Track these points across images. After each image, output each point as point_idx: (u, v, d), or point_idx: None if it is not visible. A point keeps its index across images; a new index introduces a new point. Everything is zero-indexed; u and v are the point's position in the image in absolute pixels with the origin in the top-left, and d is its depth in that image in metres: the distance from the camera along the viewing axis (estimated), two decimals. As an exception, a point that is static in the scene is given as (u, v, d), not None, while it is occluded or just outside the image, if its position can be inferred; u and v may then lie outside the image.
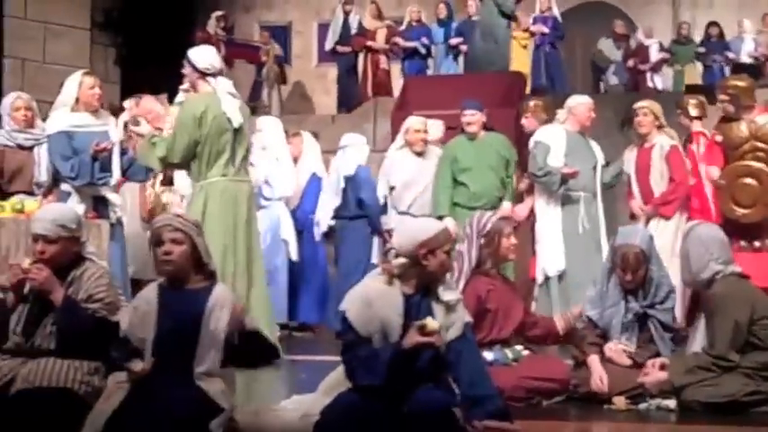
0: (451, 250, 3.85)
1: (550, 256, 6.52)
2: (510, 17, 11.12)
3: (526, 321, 4.77)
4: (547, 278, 6.53)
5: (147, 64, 11.85)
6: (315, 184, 7.81)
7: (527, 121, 7.23)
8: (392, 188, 7.33)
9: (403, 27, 13.23)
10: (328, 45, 13.25)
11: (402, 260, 3.73)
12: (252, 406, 3.99)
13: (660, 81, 13.48)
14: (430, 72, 12.94)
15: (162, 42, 12.38)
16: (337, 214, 7.52)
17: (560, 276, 6.51)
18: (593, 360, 4.56)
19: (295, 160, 7.80)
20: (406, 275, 3.75)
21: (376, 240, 7.43)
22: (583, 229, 6.56)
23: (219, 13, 13.52)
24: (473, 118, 7.09)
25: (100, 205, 6.05)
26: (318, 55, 15.52)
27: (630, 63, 13.49)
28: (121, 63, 12.83)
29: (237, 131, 5.63)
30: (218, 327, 3.72)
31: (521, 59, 12.38)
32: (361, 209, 7.38)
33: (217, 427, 3.59)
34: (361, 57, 13.16)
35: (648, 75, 13.48)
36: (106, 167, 6.05)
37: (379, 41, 12.97)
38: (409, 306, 3.73)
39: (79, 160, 5.96)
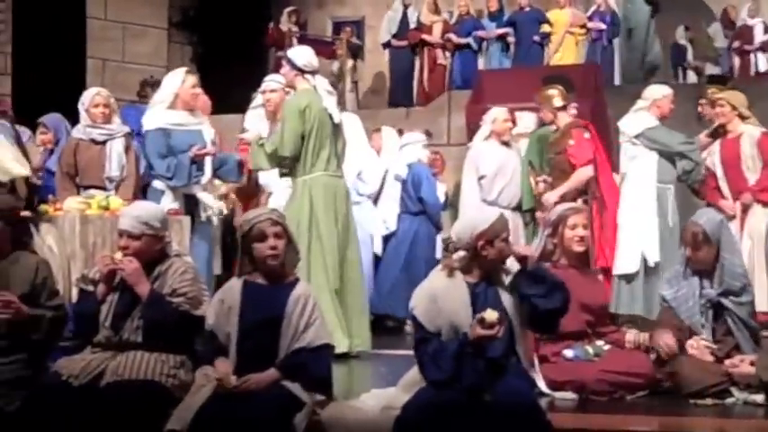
0: (508, 237, 3.85)
1: (648, 247, 6.38)
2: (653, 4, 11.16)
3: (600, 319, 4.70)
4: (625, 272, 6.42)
5: (222, 61, 12.01)
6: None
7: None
8: (481, 178, 7.36)
9: (453, 21, 13.18)
10: (383, 38, 13.29)
11: (462, 253, 3.77)
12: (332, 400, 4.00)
13: (765, 63, 13.15)
14: (481, 66, 12.89)
15: (237, 40, 12.55)
16: (402, 211, 7.63)
17: (645, 270, 6.40)
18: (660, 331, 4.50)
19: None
20: (467, 267, 3.79)
21: (439, 236, 7.52)
22: (672, 223, 6.45)
23: (292, 8, 13.62)
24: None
25: (191, 203, 6.10)
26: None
27: (736, 44, 13.20)
28: (197, 61, 13.02)
29: (336, 127, 5.78)
30: (300, 322, 3.78)
31: (572, 55, 12.28)
32: (422, 206, 7.54)
33: (300, 422, 3.63)
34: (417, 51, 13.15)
35: (753, 57, 13.15)
36: (200, 166, 6.10)
37: (435, 36, 12.92)
38: (475, 296, 3.76)
39: (177, 161, 5.97)
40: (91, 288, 4.09)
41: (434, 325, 3.72)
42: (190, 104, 6.09)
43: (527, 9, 12.54)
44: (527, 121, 7.67)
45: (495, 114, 7.41)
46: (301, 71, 5.77)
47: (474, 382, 3.61)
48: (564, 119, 6.67)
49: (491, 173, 7.31)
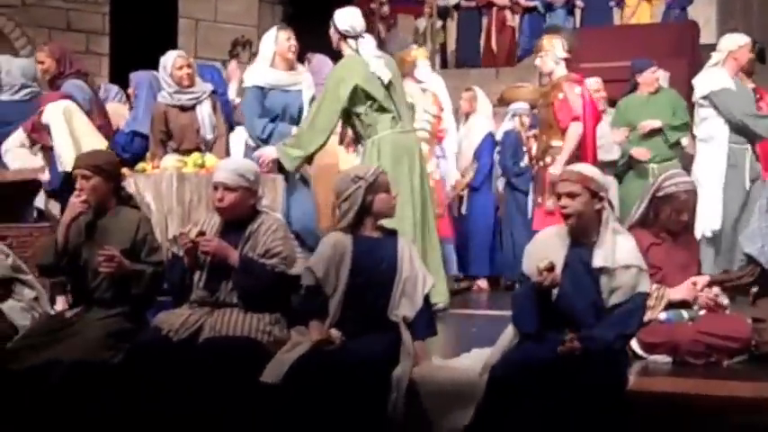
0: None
1: (709, 215, 6.22)
2: None
3: None
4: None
5: (312, 21, 12.00)
6: (490, 141, 7.79)
7: None
8: None
9: None
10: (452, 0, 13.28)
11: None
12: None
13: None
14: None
15: (327, -1, 12.53)
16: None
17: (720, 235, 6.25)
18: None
19: (465, 116, 7.82)
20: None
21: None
22: (750, 185, 6.28)
23: None
24: (656, 75, 7.12)
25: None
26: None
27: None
28: (288, 20, 13.04)
29: (390, 86, 5.63)
30: (411, 274, 3.86)
31: (647, 21, 12.09)
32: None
33: (401, 376, 3.67)
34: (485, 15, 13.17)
35: None
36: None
37: None
38: (569, 253, 3.81)
39: (276, 126, 5.89)
40: (180, 253, 4.15)
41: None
42: (288, 58, 5.96)
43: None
44: (665, 76, 7.60)
45: (589, 85, 7.29)
46: (344, 36, 5.64)
47: (555, 338, 3.63)
48: (560, 71, 6.47)
49: None
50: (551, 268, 3.69)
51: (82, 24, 10.61)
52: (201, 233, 4.05)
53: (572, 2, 12.57)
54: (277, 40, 5.97)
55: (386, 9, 13.35)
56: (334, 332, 3.80)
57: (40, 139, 6.11)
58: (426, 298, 3.98)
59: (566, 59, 6.38)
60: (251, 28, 12.02)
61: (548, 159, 6.27)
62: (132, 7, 10.35)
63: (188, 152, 6.07)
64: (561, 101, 6.32)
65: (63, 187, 5.75)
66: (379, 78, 5.57)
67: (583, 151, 6.31)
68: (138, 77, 6.95)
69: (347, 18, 5.65)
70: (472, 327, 5.43)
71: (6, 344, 4.26)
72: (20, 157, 6.11)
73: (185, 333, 3.98)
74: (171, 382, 3.83)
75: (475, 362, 3.90)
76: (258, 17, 12.13)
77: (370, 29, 12.31)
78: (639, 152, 7.03)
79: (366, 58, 5.58)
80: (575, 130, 6.20)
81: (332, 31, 5.70)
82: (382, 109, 5.58)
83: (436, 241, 5.78)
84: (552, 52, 6.39)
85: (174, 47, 10.94)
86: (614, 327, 3.71)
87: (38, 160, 6.11)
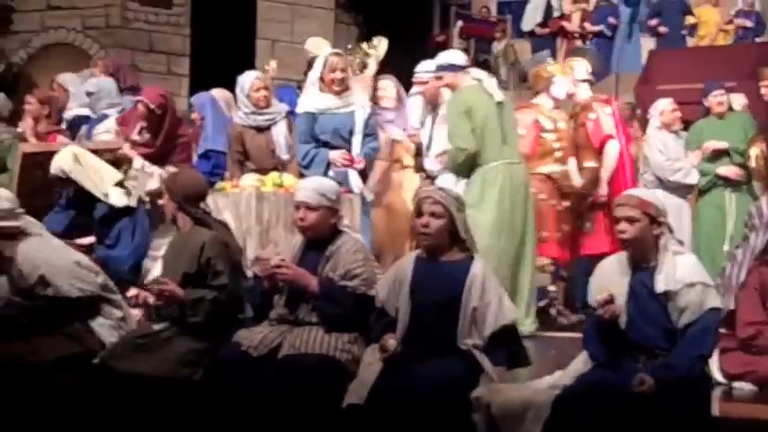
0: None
1: None
2: None
3: None
4: None
5: (387, 41, 12.10)
6: None
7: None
8: None
9: (591, 8, 13.35)
10: (526, 26, 13.37)
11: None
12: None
13: None
14: (615, 54, 12.78)
15: (401, 19, 12.62)
16: None
17: None
18: None
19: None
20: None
21: None
22: None
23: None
24: (722, 98, 7.06)
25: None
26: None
27: None
28: (364, 40, 13.17)
29: (501, 108, 5.76)
30: (482, 303, 3.82)
31: None
32: None
33: (477, 396, 3.68)
34: (558, 39, 13.45)
35: None
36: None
37: (574, 24, 13.17)
38: (634, 279, 3.76)
39: (317, 153, 5.87)
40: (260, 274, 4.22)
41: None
42: (332, 88, 5.92)
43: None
44: (739, 99, 7.53)
45: (663, 106, 7.27)
46: (459, 69, 5.84)
47: (628, 365, 3.62)
48: (585, 92, 6.51)
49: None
50: (610, 300, 3.67)
51: (163, 46, 10.86)
52: (281, 262, 4.08)
53: (655, 29, 12.58)
54: (326, 65, 5.96)
55: (458, 28, 13.50)
56: (391, 340, 3.81)
57: (124, 132, 6.31)
58: (510, 329, 3.93)
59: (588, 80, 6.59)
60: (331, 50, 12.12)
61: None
62: (212, 29, 10.57)
63: (265, 172, 6.13)
64: (594, 121, 6.41)
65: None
66: (490, 96, 5.72)
67: (619, 171, 6.39)
68: (198, 101, 7.05)
69: (454, 54, 6.01)
70: (552, 349, 5.42)
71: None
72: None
73: (265, 350, 4.04)
74: (250, 397, 3.89)
75: (544, 383, 3.91)
76: (334, 38, 12.26)
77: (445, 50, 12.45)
78: (730, 170, 6.93)
79: (484, 82, 5.77)
80: (612, 149, 6.28)
81: (446, 74, 5.87)
82: (493, 137, 5.70)
83: (531, 273, 5.82)
84: (572, 74, 6.57)
85: (252, 67, 11.12)
86: (689, 350, 3.65)
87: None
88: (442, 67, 5.90)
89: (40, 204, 5.50)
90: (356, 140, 5.93)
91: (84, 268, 4.58)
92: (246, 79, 6.27)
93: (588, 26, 13.03)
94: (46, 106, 6.87)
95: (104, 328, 4.53)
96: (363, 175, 5.98)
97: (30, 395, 4.23)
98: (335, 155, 5.82)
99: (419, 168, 6.53)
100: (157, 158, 6.02)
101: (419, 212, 3.92)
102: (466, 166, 5.75)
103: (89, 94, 6.80)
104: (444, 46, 12.71)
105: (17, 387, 4.24)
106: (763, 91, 7.05)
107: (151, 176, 5.91)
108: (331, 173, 5.75)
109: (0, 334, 4.42)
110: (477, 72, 5.93)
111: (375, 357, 3.85)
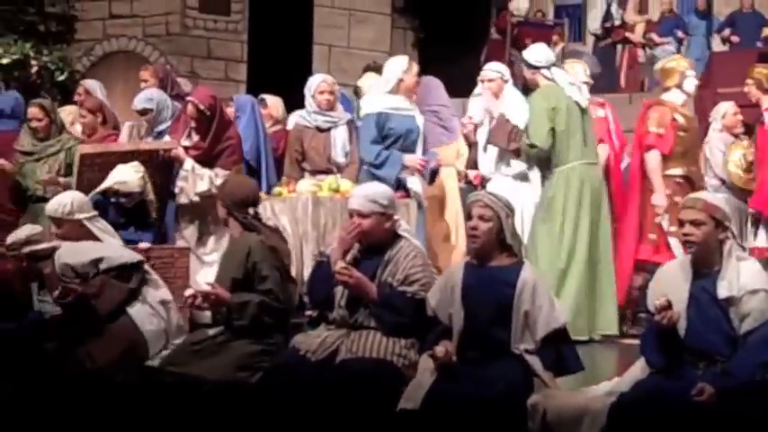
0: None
1: None
2: None
3: None
4: None
5: (444, 46, 12.13)
6: None
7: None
8: None
9: (656, 19, 13.31)
10: (592, 30, 13.36)
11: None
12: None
13: None
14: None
15: (457, 24, 12.63)
16: None
17: None
18: None
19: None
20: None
21: None
22: None
23: None
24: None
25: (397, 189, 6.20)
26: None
27: None
28: (419, 46, 13.20)
29: (585, 113, 5.88)
30: (533, 307, 3.80)
31: None
32: None
33: (534, 404, 3.65)
34: (618, 48, 13.42)
35: None
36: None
37: (637, 35, 13.19)
38: (694, 285, 3.70)
39: (390, 153, 5.98)
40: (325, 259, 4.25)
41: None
42: (412, 90, 6.12)
43: (748, 11, 12.35)
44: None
45: (725, 109, 7.27)
46: (537, 68, 5.91)
47: (687, 373, 3.57)
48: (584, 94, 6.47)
49: None
50: (668, 306, 3.61)
51: (221, 52, 10.99)
52: (342, 269, 4.09)
53: (729, 40, 12.48)
54: (408, 71, 6.08)
55: (515, 33, 13.44)
56: (439, 348, 3.80)
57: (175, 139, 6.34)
58: (562, 332, 3.90)
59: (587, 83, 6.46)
60: (383, 54, 12.17)
61: None
62: (269, 35, 10.67)
63: (320, 173, 6.22)
64: None
65: None
66: (576, 102, 5.80)
67: (609, 173, 6.37)
68: (240, 101, 7.14)
69: (537, 52, 6.00)
70: (621, 356, 5.40)
71: (138, 353, 4.52)
72: None
73: (323, 354, 4.06)
74: (308, 402, 3.89)
75: (601, 389, 3.86)
76: (390, 43, 12.31)
77: (501, 54, 12.46)
78: None
79: (563, 85, 5.83)
80: (600, 153, 6.22)
81: (526, 69, 5.99)
82: (575, 138, 5.76)
83: (610, 272, 5.85)
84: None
85: (309, 73, 11.21)
86: (751, 357, 3.57)
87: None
88: (524, 62, 6.00)
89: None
90: (419, 144, 6.11)
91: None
92: (314, 81, 6.45)
93: (656, 38, 13.05)
94: (99, 114, 6.91)
95: (142, 316, 4.65)
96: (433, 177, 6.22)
97: (92, 401, 4.32)
98: (412, 159, 5.98)
99: (472, 165, 6.54)
100: (207, 160, 6.07)
101: (469, 216, 3.92)
102: (537, 161, 5.88)
103: (145, 111, 6.58)
104: (503, 30, 12.70)
105: (83, 393, 4.34)
106: (746, 89, 6.96)
107: (201, 178, 5.99)
108: (405, 174, 5.98)
109: (60, 343, 4.54)
110: (560, 74, 5.96)
111: (430, 363, 3.86)
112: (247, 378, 4.19)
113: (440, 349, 3.79)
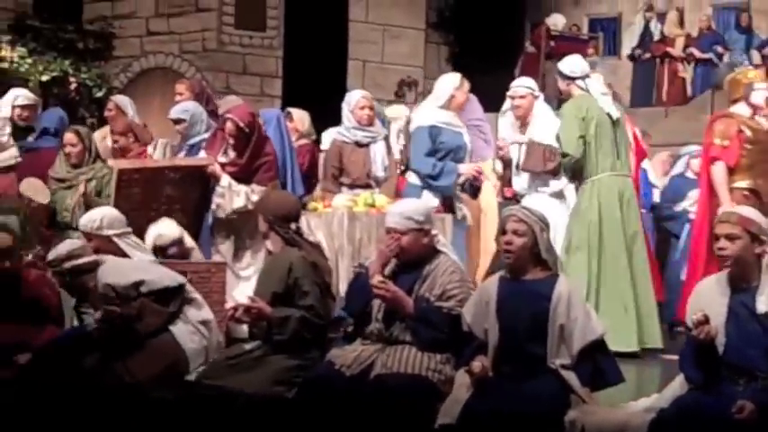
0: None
1: None
2: None
3: None
4: None
5: (478, 61, 12.13)
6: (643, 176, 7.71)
7: None
8: None
9: (695, 35, 13.30)
10: (627, 50, 13.30)
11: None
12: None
13: None
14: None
15: (491, 38, 12.63)
16: None
17: None
18: None
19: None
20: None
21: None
22: None
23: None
24: None
25: (448, 200, 6.20)
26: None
27: None
28: (453, 61, 13.22)
29: (616, 125, 5.89)
30: (569, 320, 3.79)
31: None
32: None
33: (572, 420, 3.64)
34: (658, 63, 13.37)
35: None
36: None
37: (677, 49, 13.17)
38: (732, 300, 3.67)
39: (445, 164, 6.05)
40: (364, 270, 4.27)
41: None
42: (461, 107, 6.22)
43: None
44: None
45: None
46: (572, 79, 5.93)
47: (727, 389, 3.53)
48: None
49: None
50: (705, 321, 3.58)
51: (257, 68, 11.06)
52: (380, 283, 4.10)
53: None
54: (460, 88, 6.23)
55: (550, 46, 13.40)
56: (475, 363, 3.79)
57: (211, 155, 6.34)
58: (599, 344, 3.88)
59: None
60: (417, 69, 12.23)
61: None
62: (304, 51, 10.74)
63: (358, 187, 6.25)
64: None
65: None
66: (608, 114, 5.82)
67: None
68: (266, 115, 7.10)
69: (572, 63, 6.01)
70: (664, 372, 5.32)
71: (178, 369, 4.56)
72: None
73: (358, 369, 4.07)
74: (343, 416, 3.91)
75: (640, 405, 3.85)
76: (424, 58, 12.33)
77: (535, 67, 12.45)
78: None
79: (596, 96, 5.86)
80: None
81: (560, 79, 6.03)
82: (606, 149, 5.77)
83: (648, 285, 5.83)
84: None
85: (343, 88, 11.30)
86: None
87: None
88: (559, 73, 6.03)
89: (141, 223, 5.59)
90: (468, 159, 6.22)
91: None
92: (354, 96, 6.50)
93: (696, 53, 13.05)
94: (130, 134, 6.90)
95: (184, 334, 4.67)
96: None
97: (131, 415, 4.35)
98: (468, 168, 6.11)
99: (507, 182, 6.56)
100: (243, 177, 6.08)
101: (503, 230, 3.91)
102: (572, 171, 5.89)
103: (179, 121, 6.63)
104: (538, 45, 12.67)
105: (121, 407, 4.37)
106: None
107: (238, 194, 6.02)
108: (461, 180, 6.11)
109: (101, 357, 4.59)
110: (594, 85, 5.97)
111: (466, 379, 3.84)
112: (284, 392, 4.20)
113: (476, 364, 3.79)
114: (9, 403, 4.66)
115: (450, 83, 6.24)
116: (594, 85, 5.98)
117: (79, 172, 6.25)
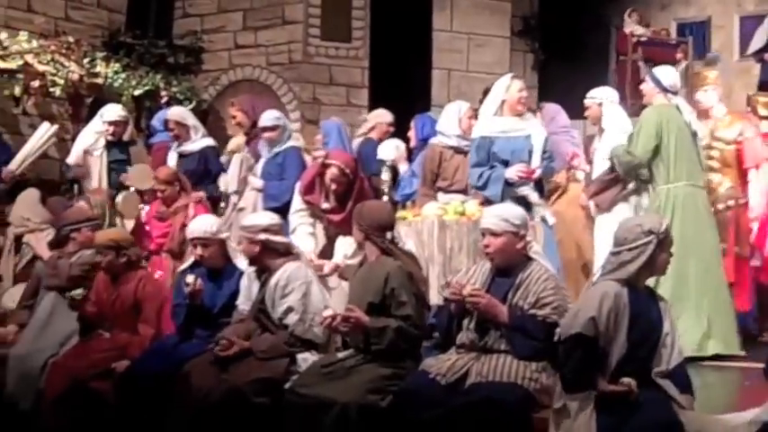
0: None
1: None
2: None
3: None
4: None
5: (564, 68, 12.01)
6: None
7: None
8: None
9: None
10: (753, 48, 12.82)
11: None
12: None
13: None
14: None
15: (577, 45, 12.50)
16: None
17: None
18: None
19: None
20: None
21: None
22: None
23: (631, 9, 13.38)
24: None
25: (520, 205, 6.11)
26: (740, 49, 14.85)
27: None
28: (539, 68, 13.11)
29: (695, 136, 5.83)
30: (671, 328, 3.77)
31: None
32: None
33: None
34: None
35: None
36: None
37: None
38: None
39: (493, 172, 5.91)
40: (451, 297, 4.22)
41: None
42: (515, 109, 6.03)
43: None
44: None
45: None
46: (665, 90, 5.86)
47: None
48: (723, 107, 6.45)
49: None
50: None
51: (343, 79, 11.12)
52: (474, 291, 4.10)
53: None
54: (509, 90, 6.06)
55: (639, 53, 13.18)
56: (627, 380, 3.68)
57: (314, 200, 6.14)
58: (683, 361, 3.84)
59: None
60: (511, 74, 12.08)
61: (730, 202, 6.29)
62: (389, 61, 10.77)
63: (454, 192, 6.24)
64: (749, 140, 6.29)
65: None
66: (689, 126, 5.77)
67: None
68: (327, 126, 7.25)
69: (670, 75, 5.95)
70: (745, 380, 5.20)
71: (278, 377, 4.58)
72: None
73: (453, 378, 4.06)
74: (437, 425, 3.90)
75: (742, 418, 3.74)
76: (510, 66, 12.24)
77: (622, 76, 12.25)
78: None
79: (681, 108, 5.82)
80: None
81: (650, 85, 5.94)
82: (682, 159, 5.70)
83: (725, 293, 5.74)
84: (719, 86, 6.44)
85: (428, 97, 11.31)
86: None
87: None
88: (653, 78, 5.94)
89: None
90: (536, 159, 5.97)
91: None
92: (464, 106, 6.56)
93: None
94: (176, 183, 6.72)
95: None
96: (540, 189, 6.05)
97: (230, 418, 4.43)
98: (511, 170, 5.88)
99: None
100: (346, 226, 5.56)
101: (669, 248, 3.90)
102: (626, 169, 5.84)
103: (272, 128, 6.73)
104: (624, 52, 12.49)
105: (220, 411, 4.45)
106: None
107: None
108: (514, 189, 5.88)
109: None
110: (681, 102, 5.91)
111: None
112: (378, 401, 4.21)
113: (627, 380, 3.68)
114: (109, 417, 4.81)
115: (499, 88, 6.11)
116: (682, 102, 5.91)
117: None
